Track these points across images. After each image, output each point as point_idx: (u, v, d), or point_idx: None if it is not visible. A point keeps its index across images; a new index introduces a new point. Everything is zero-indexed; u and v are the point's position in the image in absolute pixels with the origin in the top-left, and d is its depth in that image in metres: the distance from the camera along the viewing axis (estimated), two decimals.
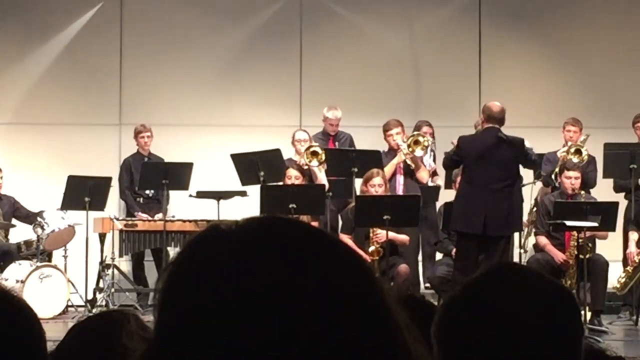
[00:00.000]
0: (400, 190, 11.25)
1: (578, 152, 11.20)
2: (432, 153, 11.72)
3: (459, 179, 10.57)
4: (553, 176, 11.22)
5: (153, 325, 1.17)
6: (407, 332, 1.16)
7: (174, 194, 11.96)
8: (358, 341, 1.11)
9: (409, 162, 11.24)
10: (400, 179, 11.26)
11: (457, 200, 9.94)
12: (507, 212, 9.70)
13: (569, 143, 11.39)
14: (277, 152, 11.40)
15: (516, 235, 10.93)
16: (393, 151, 11.41)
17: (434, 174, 11.73)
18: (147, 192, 12.05)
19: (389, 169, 11.06)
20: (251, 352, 1.09)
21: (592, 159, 11.41)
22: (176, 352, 1.12)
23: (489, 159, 9.61)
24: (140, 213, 11.99)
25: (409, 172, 11.34)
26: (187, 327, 1.11)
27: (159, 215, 11.78)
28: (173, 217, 11.81)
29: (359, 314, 1.12)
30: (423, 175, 11.40)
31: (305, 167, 11.35)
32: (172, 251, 11.73)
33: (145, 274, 12.21)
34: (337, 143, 11.92)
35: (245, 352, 1.09)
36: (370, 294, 1.15)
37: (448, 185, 11.35)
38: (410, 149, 11.20)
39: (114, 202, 12.14)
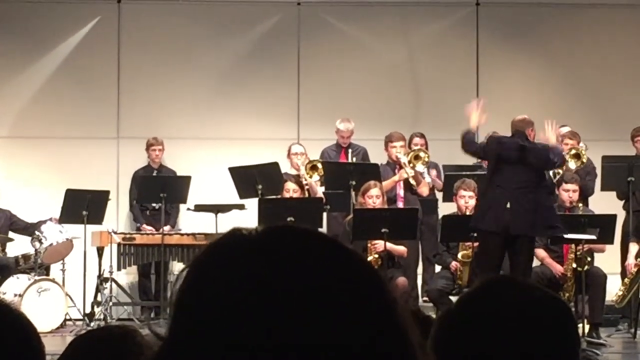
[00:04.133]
0: (400, 204, 11.29)
1: (577, 156, 11.21)
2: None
3: (460, 192, 10.59)
4: (551, 173, 11.17)
5: (166, 330, 1.18)
6: (420, 351, 1.17)
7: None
8: (372, 355, 1.12)
9: (411, 181, 11.29)
10: (400, 192, 11.29)
11: (482, 199, 9.93)
12: (533, 212, 9.69)
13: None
14: (275, 165, 11.41)
15: None
16: (393, 163, 11.46)
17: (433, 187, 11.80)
18: (154, 204, 12.06)
19: (387, 185, 11.08)
20: (267, 358, 1.09)
21: (592, 169, 11.42)
22: (190, 353, 1.12)
23: (513, 161, 9.65)
24: (145, 225, 12.02)
25: (409, 187, 11.38)
26: (202, 329, 1.12)
27: (166, 228, 11.82)
28: (180, 230, 11.87)
29: (376, 328, 1.13)
30: (423, 190, 11.46)
31: (305, 183, 11.38)
32: (173, 264, 11.77)
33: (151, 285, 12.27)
34: (349, 155, 11.92)
35: (261, 358, 1.09)
36: (387, 310, 1.16)
37: (447, 199, 11.34)
38: (411, 164, 11.26)
39: (112, 216, 12.14)
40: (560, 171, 11.06)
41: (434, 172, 11.70)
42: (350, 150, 11.94)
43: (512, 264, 9.70)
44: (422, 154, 11.38)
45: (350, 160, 11.75)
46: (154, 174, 12.28)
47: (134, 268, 12.15)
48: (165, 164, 12.55)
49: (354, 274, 1.16)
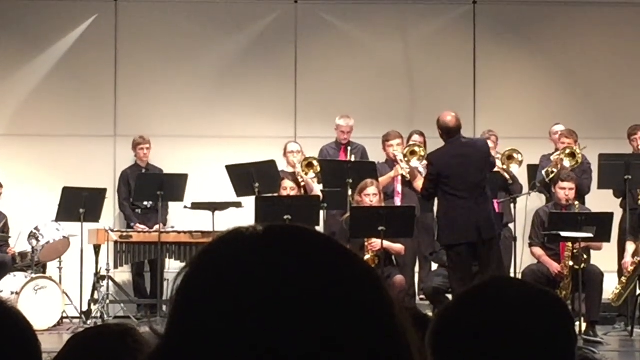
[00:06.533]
0: (398, 199, 11.29)
1: (572, 155, 11.21)
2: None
3: None
4: (544, 172, 11.16)
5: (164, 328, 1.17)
6: (417, 351, 1.17)
7: (171, 205, 12.02)
8: (369, 355, 1.12)
9: (405, 175, 11.30)
10: (398, 187, 11.29)
11: (442, 214, 9.85)
12: (492, 213, 9.74)
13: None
14: (272, 163, 11.42)
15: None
16: (390, 161, 11.46)
17: None
18: (145, 203, 12.06)
19: (384, 181, 11.09)
20: (265, 357, 1.09)
21: (587, 167, 11.42)
22: (187, 352, 1.12)
23: (462, 166, 9.60)
24: (138, 224, 12.00)
25: (407, 181, 11.39)
26: (200, 327, 1.12)
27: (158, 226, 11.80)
28: (172, 227, 11.84)
29: (373, 329, 1.13)
30: (419, 185, 11.43)
31: (302, 180, 11.39)
32: (170, 262, 11.77)
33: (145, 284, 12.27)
34: (348, 153, 11.91)
35: (260, 357, 1.09)
36: (385, 312, 1.16)
37: None
38: (407, 159, 11.26)
39: (109, 214, 12.13)
40: (555, 170, 11.07)
41: (424, 162, 11.51)
42: (349, 148, 11.94)
43: (484, 265, 9.66)
44: (417, 149, 11.36)
45: (349, 158, 11.75)
46: (143, 172, 12.25)
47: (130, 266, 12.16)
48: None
49: (351, 275, 1.16)
